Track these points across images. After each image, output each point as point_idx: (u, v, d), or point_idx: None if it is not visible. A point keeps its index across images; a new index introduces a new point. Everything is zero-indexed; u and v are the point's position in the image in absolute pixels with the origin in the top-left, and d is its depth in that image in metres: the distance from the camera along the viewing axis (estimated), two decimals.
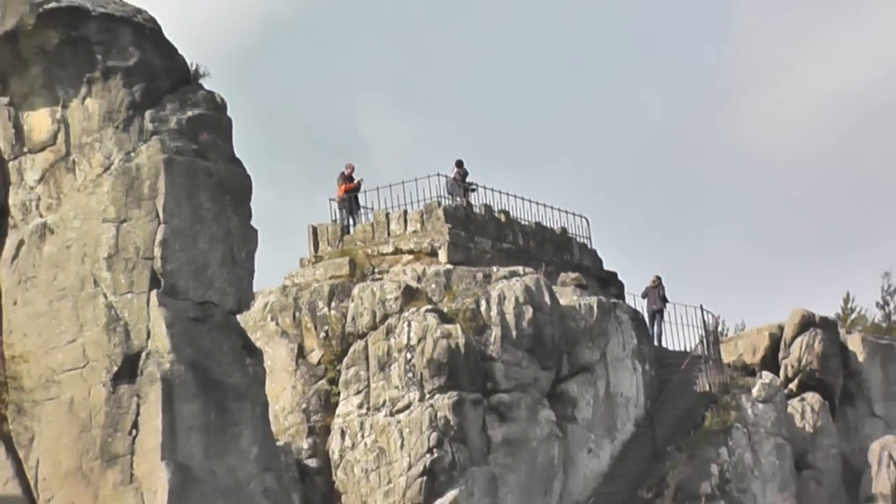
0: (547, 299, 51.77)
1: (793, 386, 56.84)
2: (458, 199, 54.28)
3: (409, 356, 49.59)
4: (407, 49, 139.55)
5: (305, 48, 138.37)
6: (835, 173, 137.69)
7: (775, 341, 58.16)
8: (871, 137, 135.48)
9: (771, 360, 57.61)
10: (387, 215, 55.09)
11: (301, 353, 51.29)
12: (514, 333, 50.71)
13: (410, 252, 53.75)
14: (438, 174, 55.68)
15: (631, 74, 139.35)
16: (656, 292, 58.72)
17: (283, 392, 49.72)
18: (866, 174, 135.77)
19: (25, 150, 38.56)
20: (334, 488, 49.47)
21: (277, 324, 51.59)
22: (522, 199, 57.27)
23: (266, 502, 38.27)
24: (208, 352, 37.94)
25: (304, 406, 50.60)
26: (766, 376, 55.97)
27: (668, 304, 58.65)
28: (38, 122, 38.49)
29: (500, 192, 56.69)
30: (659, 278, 58.87)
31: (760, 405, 54.63)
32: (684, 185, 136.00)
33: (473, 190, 56.12)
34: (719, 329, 58.62)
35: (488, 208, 55.45)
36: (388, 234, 54.44)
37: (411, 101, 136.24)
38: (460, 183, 54.72)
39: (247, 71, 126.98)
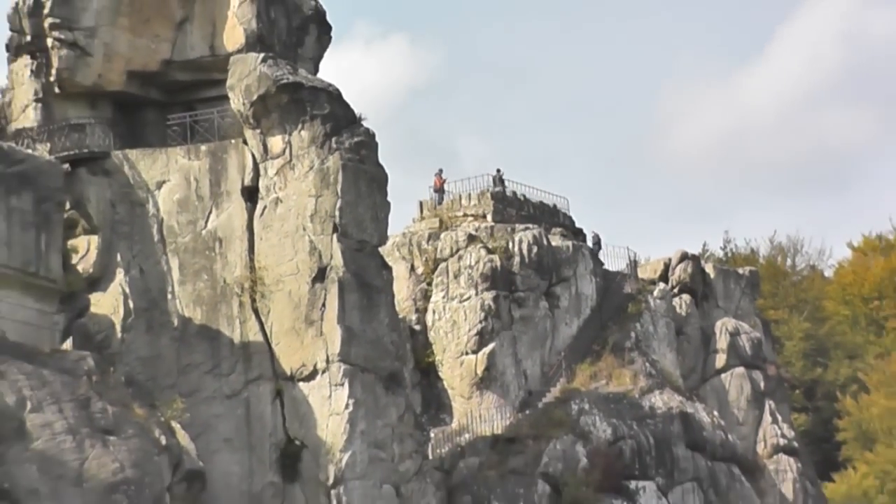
0: (545, 242, 51.32)
1: (675, 290, 55.80)
2: (498, 187, 53.90)
3: (470, 272, 49.28)
4: (487, 99, 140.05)
5: (429, 101, 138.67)
6: (709, 173, 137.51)
7: (667, 266, 56.89)
8: (732, 153, 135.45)
9: (664, 277, 56.79)
10: (460, 196, 54.03)
11: (412, 269, 50.59)
12: (527, 260, 50.32)
13: (472, 216, 52.90)
14: (488, 174, 54.60)
15: (596, 113, 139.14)
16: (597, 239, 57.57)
17: (402, 289, 48.89)
18: (727, 175, 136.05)
19: (268, 158, 38.54)
20: (429, 341, 49.06)
21: (400, 252, 50.83)
22: (533, 188, 55.88)
23: (392, 347, 38.60)
24: (363, 267, 38.13)
25: (413, 297, 50.02)
26: (661, 285, 55.36)
27: (602, 247, 57.20)
28: (275, 143, 38.49)
29: (522, 185, 55.61)
30: (596, 233, 57.81)
31: (658, 300, 53.90)
32: (626, 180, 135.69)
33: (505, 183, 54.52)
34: (637, 259, 58.10)
35: (514, 193, 54.25)
36: (461, 206, 53.51)
37: (486, 130, 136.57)
38: (497, 180, 54.11)
39: (398, 114, 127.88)
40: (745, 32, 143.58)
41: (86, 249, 38.34)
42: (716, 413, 52.58)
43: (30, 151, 36.29)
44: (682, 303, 56.08)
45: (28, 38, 39.66)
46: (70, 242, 37.66)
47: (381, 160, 39.48)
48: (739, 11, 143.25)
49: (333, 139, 38.29)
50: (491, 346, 48.38)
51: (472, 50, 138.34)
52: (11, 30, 39.98)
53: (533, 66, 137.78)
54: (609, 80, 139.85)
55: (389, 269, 40.24)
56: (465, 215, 53.09)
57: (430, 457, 42.29)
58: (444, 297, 49.65)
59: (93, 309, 36.96)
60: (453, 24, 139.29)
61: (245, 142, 38.97)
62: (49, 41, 39.24)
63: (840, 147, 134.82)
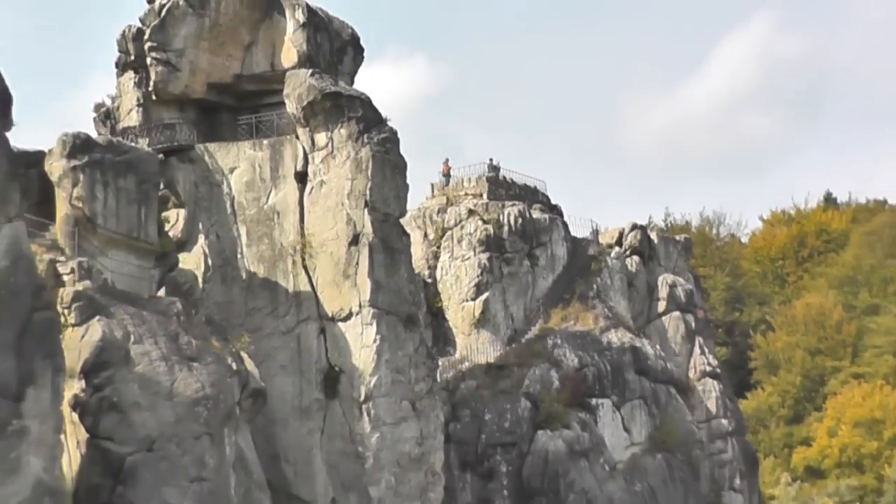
0: (527, 215, 50.98)
1: (627, 253, 55.03)
2: (492, 173, 53.46)
3: (469, 238, 49.12)
4: (486, 104, 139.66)
5: (441, 106, 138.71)
6: (655, 161, 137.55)
7: (621, 234, 56.18)
8: (673, 146, 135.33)
9: (619, 242, 55.88)
10: (462, 179, 53.54)
11: (425, 235, 50.38)
12: (514, 228, 49.97)
13: (472, 195, 52.36)
14: (484, 162, 53.70)
15: (569, 114, 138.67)
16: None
17: (417, 251, 48.27)
18: (669, 163, 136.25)
19: (315, 149, 38.27)
20: (438, 291, 48.88)
21: (416, 223, 50.56)
22: (519, 173, 55.23)
23: (409, 296, 38.35)
24: (387, 233, 37.86)
25: (426, 257, 49.77)
26: (617, 249, 54.92)
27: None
28: (320, 138, 38.17)
29: (510, 171, 54.64)
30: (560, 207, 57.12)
31: (614, 260, 53.60)
32: (591, 166, 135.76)
33: (498, 170, 54.49)
34: (598, 228, 57.62)
35: (504, 177, 53.71)
36: (463, 187, 53.09)
37: (484, 128, 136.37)
38: (491, 167, 53.65)
39: (415, 115, 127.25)
40: (685, 51, 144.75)
41: (175, 220, 38.47)
42: (658, 346, 52.65)
43: (133, 144, 36.51)
44: (633, 262, 55.87)
45: (132, 57, 39.76)
46: (164, 214, 37.69)
47: (402, 152, 39.28)
48: (681, 35, 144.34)
49: (365, 136, 38.04)
50: (485, 295, 48.31)
51: (477, 66, 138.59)
52: (119, 51, 40.13)
53: (523, 78, 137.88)
54: (580, 88, 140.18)
55: (408, 235, 39.98)
56: (466, 194, 52.83)
57: (439, 380, 42.24)
58: (449, 258, 49.50)
59: (181, 265, 36.94)
60: (463, 46, 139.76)
61: (297, 137, 38.73)
62: (148, 60, 39.16)
63: (756, 142, 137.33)
